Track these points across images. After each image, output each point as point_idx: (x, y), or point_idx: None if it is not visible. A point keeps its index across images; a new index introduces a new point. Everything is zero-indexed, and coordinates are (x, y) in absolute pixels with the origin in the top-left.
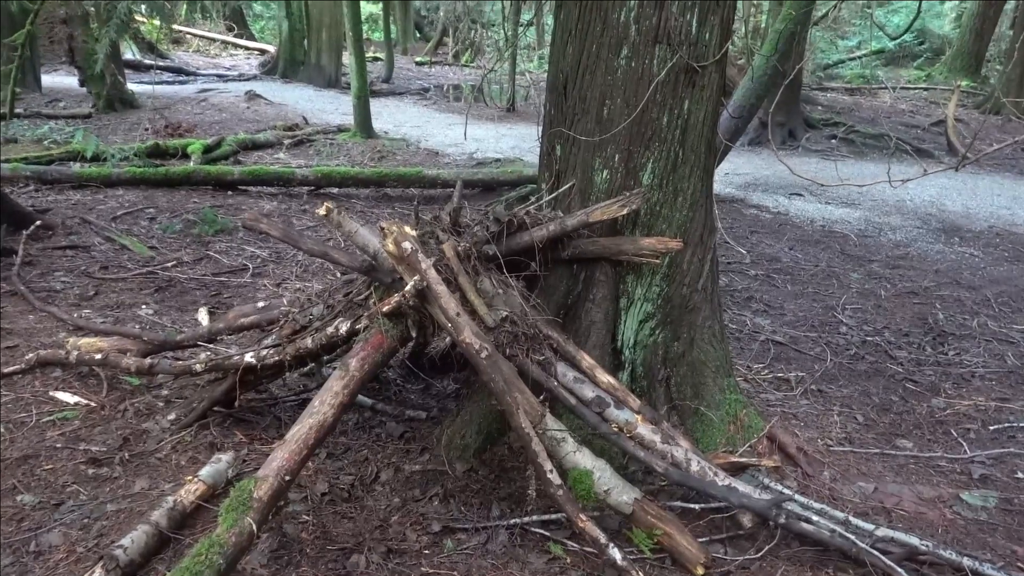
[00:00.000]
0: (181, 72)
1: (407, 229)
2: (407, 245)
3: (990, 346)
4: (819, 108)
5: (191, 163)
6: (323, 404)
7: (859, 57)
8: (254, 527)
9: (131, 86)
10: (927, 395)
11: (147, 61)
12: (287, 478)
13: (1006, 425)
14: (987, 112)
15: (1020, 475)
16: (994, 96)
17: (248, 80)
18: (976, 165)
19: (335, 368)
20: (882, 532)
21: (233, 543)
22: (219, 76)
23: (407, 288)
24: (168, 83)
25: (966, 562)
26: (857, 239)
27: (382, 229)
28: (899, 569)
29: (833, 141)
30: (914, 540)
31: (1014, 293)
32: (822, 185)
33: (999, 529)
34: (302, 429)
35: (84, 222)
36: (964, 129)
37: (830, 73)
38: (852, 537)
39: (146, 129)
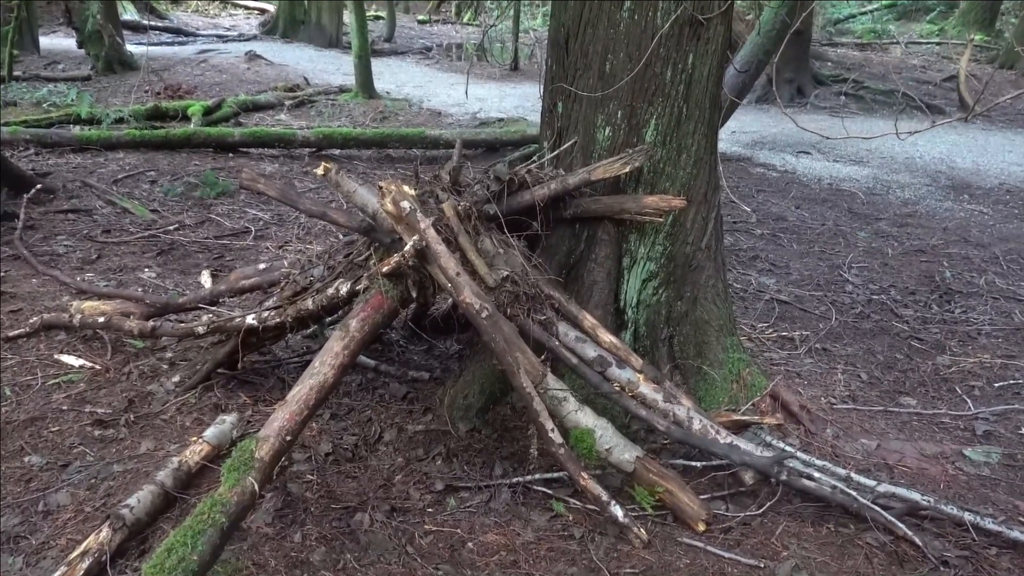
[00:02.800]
0: (180, 33)
1: (406, 188)
2: (405, 204)
3: (997, 304)
4: (829, 64)
5: (191, 125)
6: (323, 365)
7: (870, 11)
8: (256, 486)
9: (130, 47)
10: (932, 353)
11: (145, 22)
12: (288, 438)
13: (1011, 382)
14: (1002, 67)
15: None
16: (1008, 49)
17: (248, 40)
18: (988, 121)
19: (336, 329)
20: (883, 488)
21: (236, 502)
22: (219, 36)
23: (406, 248)
24: (167, 44)
25: (967, 517)
26: (865, 197)
27: (380, 189)
28: (900, 524)
29: (842, 98)
30: (915, 495)
31: (1023, 250)
32: (827, 138)
33: (1001, 484)
34: (303, 390)
35: (85, 185)
36: (977, 84)
37: (840, 28)
38: (853, 493)
39: (145, 91)
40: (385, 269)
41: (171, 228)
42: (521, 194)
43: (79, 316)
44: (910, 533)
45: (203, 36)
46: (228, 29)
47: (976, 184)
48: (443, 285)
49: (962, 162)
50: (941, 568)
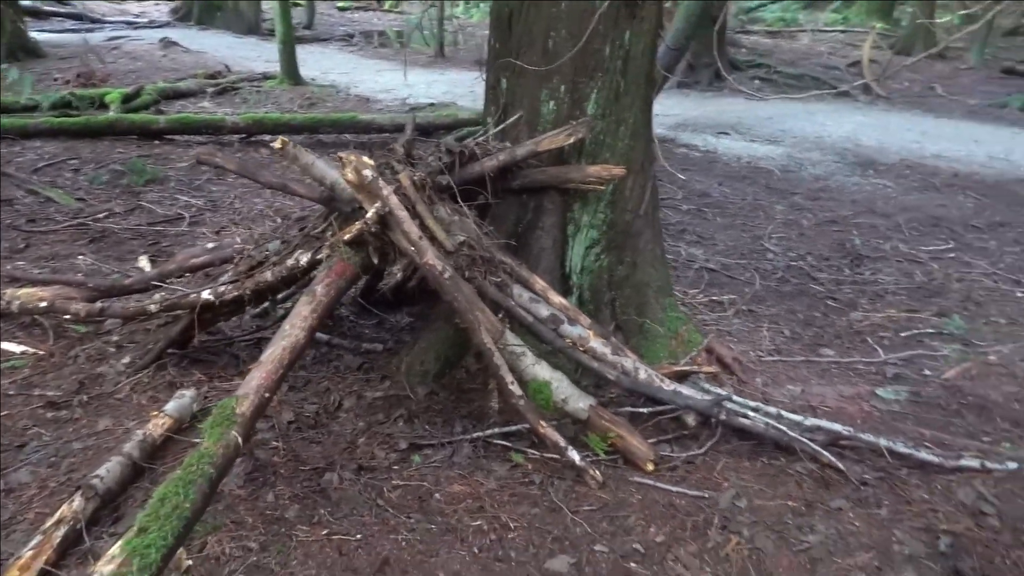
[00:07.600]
0: (84, 19)
1: (365, 159)
2: (367, 173)
3: (901, 266)
4: (743, 51)
5: (110, 113)
6: (294, 327)
7: (779, 0)
8: (239, 440)
9: (33, 34)
10: (846, 310)
11: (46, 8)
12: (267, 394)
13: (915, 332)
14: (899, 52)
15: (927, 372)
16: (905, 36)
17: (160, 27)
18: (888, 103)
19: (292, 304)
20: (810, 422)
21: (221, 454)
22: (127, 23)
23: (369, 215)
24: (73, 31)
25: (883, 442)
26: (780, 174)
27: (340, 159)
28: (825, 452)
29: (756, 82)
30: (837, 427)
31: (922, 219)
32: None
33: (910, 417)
34: (276, 350)
35: (3, 175)
36: (878, 69)
37: (752, 16)
38: (783, 428)
39: (55, 79)
40: (347, 236)
41: (100, 216)
42: (471, 166)
43: (17, 303)
44: (834, 460)
45: (110, 23)
46: (137, 16)
47: (880, 160)
48: (405, 250)
49: (867, 140)
50: (862, 488)
